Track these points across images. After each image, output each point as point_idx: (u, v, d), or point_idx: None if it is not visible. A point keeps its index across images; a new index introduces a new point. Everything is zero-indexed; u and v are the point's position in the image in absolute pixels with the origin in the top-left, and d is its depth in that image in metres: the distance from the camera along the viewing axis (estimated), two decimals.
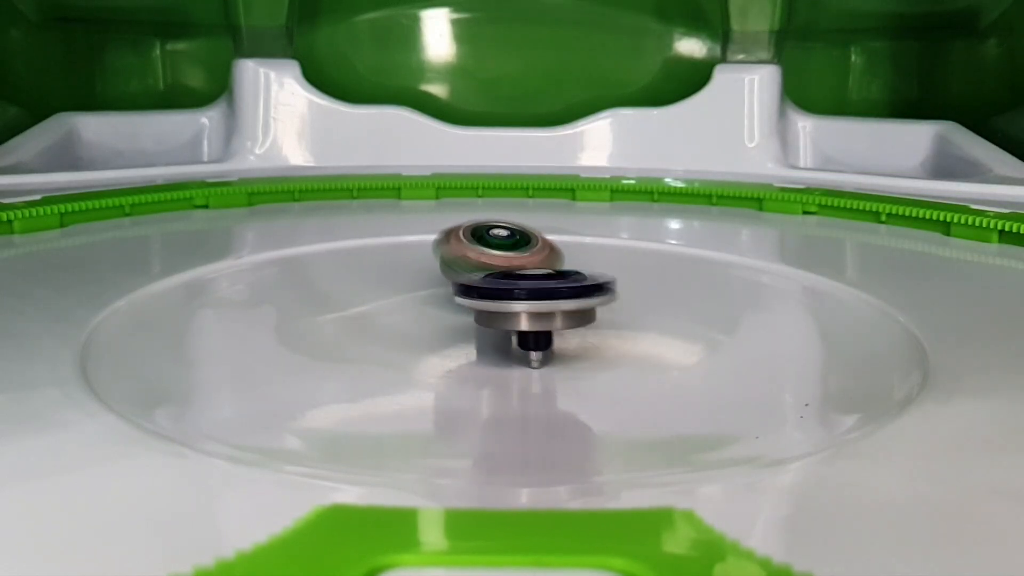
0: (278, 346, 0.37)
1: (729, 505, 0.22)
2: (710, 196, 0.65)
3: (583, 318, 0.33)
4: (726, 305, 0.44)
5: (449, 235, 0.41)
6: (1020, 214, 0.52)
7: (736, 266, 0.49)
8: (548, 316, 0.32)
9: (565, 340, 0.39)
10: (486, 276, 0.34)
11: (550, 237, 0.42)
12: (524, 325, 0.32)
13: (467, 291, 0.33)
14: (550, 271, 0.35)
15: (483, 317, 0.33)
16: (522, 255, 0.39)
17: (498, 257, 0.39)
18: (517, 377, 0.34)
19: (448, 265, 0.40)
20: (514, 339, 0.34)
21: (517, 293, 0.32)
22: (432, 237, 0.49)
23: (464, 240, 0.40)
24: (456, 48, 0.84)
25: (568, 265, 0.42)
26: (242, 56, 0.76)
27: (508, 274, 0.34)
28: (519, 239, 0.41)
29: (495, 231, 0.41)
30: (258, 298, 0.45)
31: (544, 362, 0.33)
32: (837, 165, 0.74)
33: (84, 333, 0.33)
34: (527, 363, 0.33)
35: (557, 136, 0.75)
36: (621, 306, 0.43)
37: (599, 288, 0.33)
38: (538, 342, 0.33)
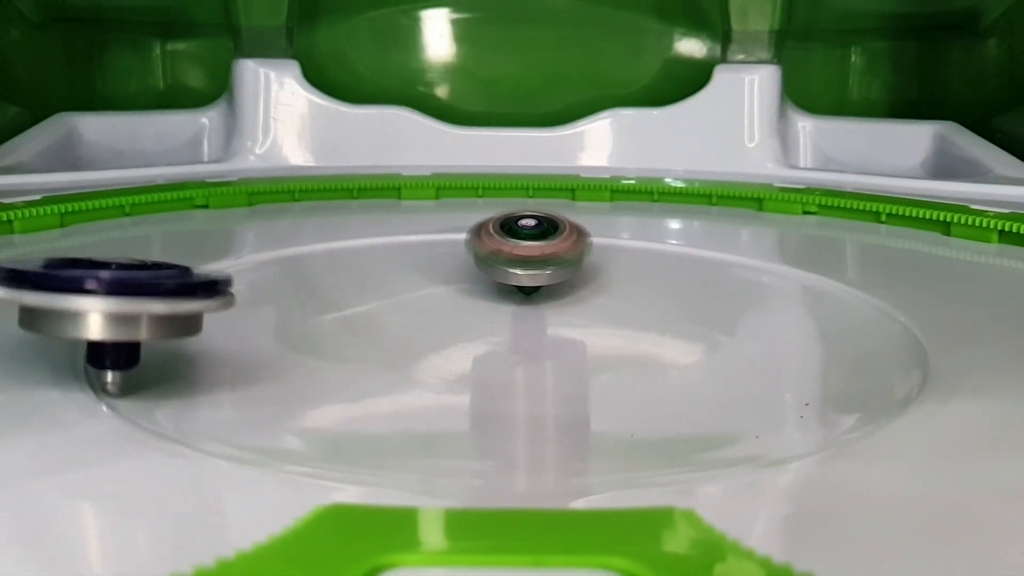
0: (278, 346, 0.37)
1: (729, 505, 0.22)
2: (710, 196, 0.65)
3: (181, 326, 0.27)
4: (726, 305, 0.44)
5: (479, 230, 0.42)
6: (1020, 214, 0.52)
7: (736, 266, 0.49)
8: (132, 320, 0.25)
9: (565, 339, 0.39)
10: (47, 260, 0.26)
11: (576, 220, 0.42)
12: (96, 332, 0.25)
13: (14, 279, 0.25)
14: (149, 262, 0.28)
15: (31, 318, 0.25)
16: (552, 242, 0.41)
17: (530, 247, 0.40)
18: (517, 377, 0.34)
19: (483, 261, 0.41)
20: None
21: (89, 284, 0.24)
22: (432, 237, 0.49)
23: (494, 234, 0.41)
24: (456, 48, 0.84)
25: None
26: (242, 56, 0.76)
27: (76, 261, 0.27)
28: (547, 227, 0.42)
29: (523, 221, 0.42)
30: (258, 298, 0.45)
31: (121, 388, 0.27)
32: (837, 165, 0.74)
33: None
34: (100, 388, 0.27)
35: (557, 136, 0.75)
36: (621, 306, 0.43)
37: (207, 286, 0.27)
38: (117, 357, 0.26)
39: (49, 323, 0.25)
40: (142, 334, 0.25)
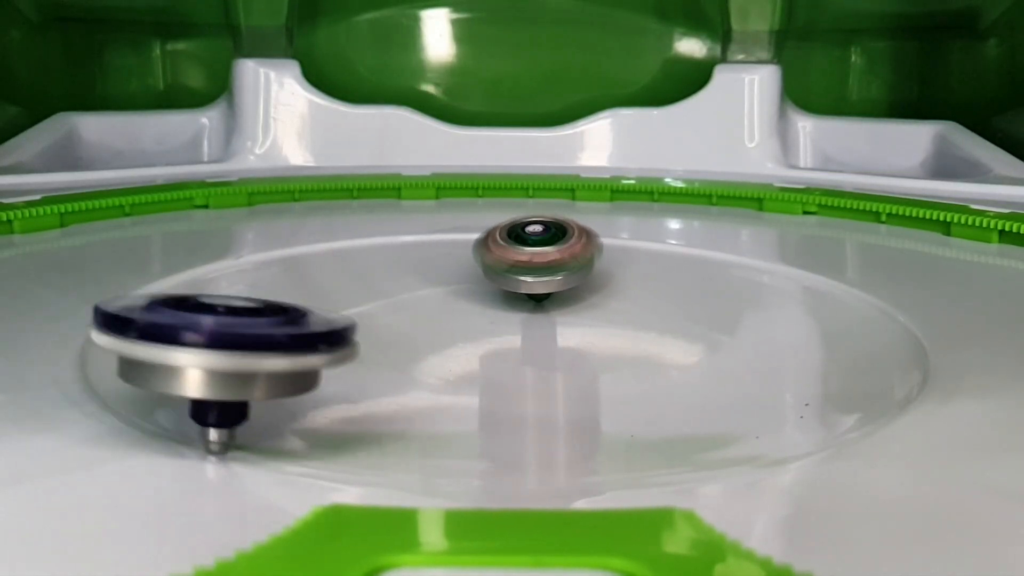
0: None
1: (730, 505, 0.22)
2: (710, 196, 0.65)
3: (297, 384, 0.23)
4: (726, 305, 0.44)
5: (486, 239, 0.41)
6: (1020, 214, 0.52)
7: (736, 266, 0.49)
8: (241, 378, 0.22)
9: (565, 339, 0.39)
10: (153, 299, 0.23)
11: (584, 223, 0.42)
12: (198, 391, 0.22)
13: (111, 324, 0.22)
14: (259, 302, 0.24)
15: (127, 368, 0.22)
16: (562, 247, 0.40)
17: (539, 253, 0.39)
18: (518, 377, 0.34)
19: (492, 270, 0.40)
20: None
21: (190, 336, 0.21)
22: (432, 237, 0.49)
23: (502, 242, 0.41)
24: (456, 48, 0.84)
25: None
26: (242, 56, 0.76)
27: (185, 301, 0.23)
28: (555, 232, 0.41)
29: (531, 227, 0.41)
30: (259, 297, 0.45)
31: (227, 447, 0.23)
32: (837, 165, 0.74)
33: (84, 333, 0.33)
34: (204, 443, 0.23)
35: (557, 136, 0.75)
36: (620, 306, 0.43)
37: (332, 336, 0.23)
38: (223, 416, 0.23)
39: (146, 376, 0.22)
40: (252, 394, 0.22)
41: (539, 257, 0.39)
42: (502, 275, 0.40)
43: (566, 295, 0.41)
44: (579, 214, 0.62)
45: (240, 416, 0.23)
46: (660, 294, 0.45)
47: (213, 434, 0.23)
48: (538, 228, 0.41)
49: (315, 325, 0.23)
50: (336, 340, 0.23)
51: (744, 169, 0.71)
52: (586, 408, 0.31)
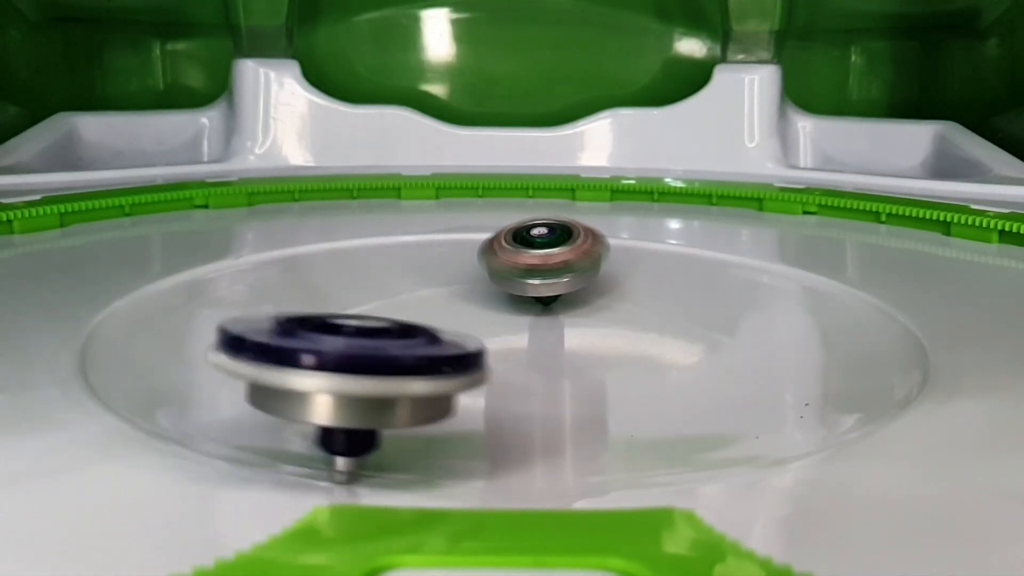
0: None
1: (729, 505, 0.22)
2: (710, 196, 0.65)
3: (430, 411, 0.22)
4: (726, 305, 0.44)
5: (491, 244, 0.41)
6: (1020, 214, 0.52)
7: (736, 266, 0.49)
8: (369, 404, 0.20)
9: (565, 339, 0.39)
10: (279, 319, 0.22)
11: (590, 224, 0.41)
12: (325, 418, 0.20)
13: (235, 346, 0.21)
14: (387, 322, 0.23)
15: (253, 392, 0.21)
16: (569, 248, 0.39)
17: (545, 255, 0.39)
18: (517, 377, 0.34)
19: (498, 274, 0.40)
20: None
21: (316, 359, 0.20)
22: (432, 237, 0.49)
23: (507, 246, 0.40)
24: (456, 48, 0.84)
25: None
26: (242, 56, 0.76)
27: (313, 321, 0.22)
28: (560, 233, 0.40)
29: (536, 230, 0.41)
30: (258, 298, 0.45)
31: (356, 476, 0.22)
32: (837, 165, 0.74)
33: (84, 333, 0.33)
34: (331, 472, 0.22)
35: (557, 136, 0.75)
36: (619, 306, 0.43)
37: (466, 360, 0.22)
38: (352, 443, 0.22)
39: (272, 401, 0.21)
40: (384, 421, 0.21)
41: (547, 259, 0.39)
42: (510, 279, 0.39)
43: (566, 295, 0.41)
44: (579, 214, 0.62)
45: (369, 445, 0.22)
46: (660, 294, 0.45)
47: (341, 463, 0.22)
48: (544, 230, 0.41)
49: (448, 347, 0.21)
50: (470, 363, 0.21)
51: (744, 169, 0.71)
52: (586, 408, 0.31)
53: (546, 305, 0.41)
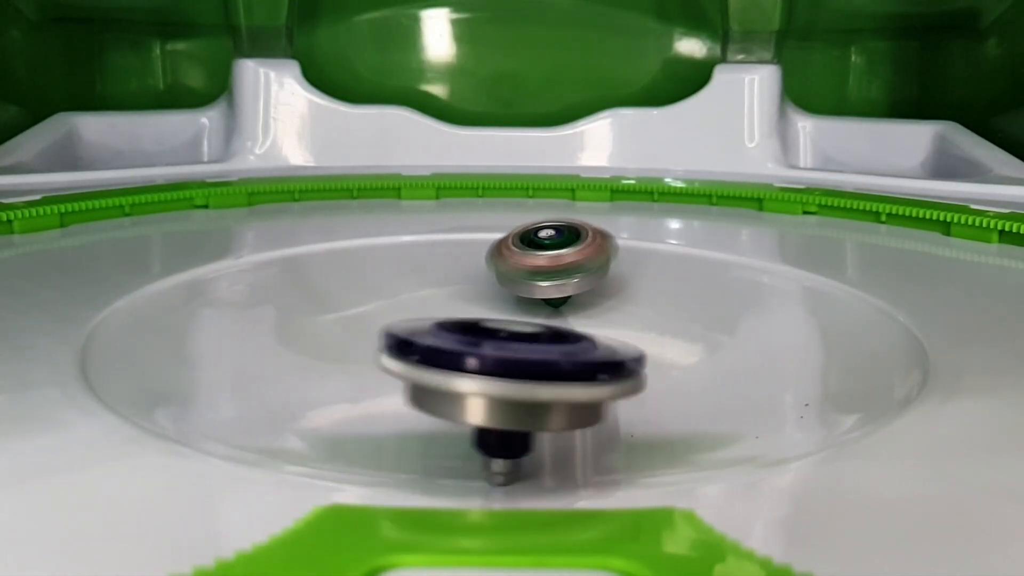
0: (278, 346, 0.37)
1: (729, 505, 0.22)
2: (710, 196, 0.65)
3: (584, 416, 0.22)
4: (726, 305, 0.44)
5: (499, 247, 0.41)
6: (1020, 214, 0.52)
7: (736, 266, 0.49)
8: (527, 408, 0.21)
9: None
10: (439, 323, 0.23)
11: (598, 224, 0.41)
12: (481, 419, 0.21)
13: (400, 348, 0.22)
14: (543, 327, 0.23)
15: (414, 393, 0.22)
16: (578, 249, 0.39)
17: (554, 257, 0.39)
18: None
19: (507, 277, 0.40)
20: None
21: (469, 362, 0.20)
22: (432, 237, 0.49)
23: (515, 248, 0.40)
24: (456, 48, 0.84)
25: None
26: (242, 56, 0.76)
27: (473, 326, 0.23)
28: (568, 235, 0.40)
29: (543, 232, 0.41)
30: (258, 298, 0.45)
31: (512, 477, 0.23)
32: (837, 165, 0.74)
33: (84, 333, 0.33)
34: (487, 474, 0.23)
35: (557, 136, 0.75)
36: (619, 305, 0.43)
37: (622, 367, 0.22)
38: (509, 445, 0.23)
39: (432, 402, 0.21)
40: (540, 424, 0.21)
41: (556, 260, 0.39)
42: (518, 281, 0.39)
43: (575, 297, 0.41)
44: (579, 214, 0.62)
45: (524, 447, 0.22)
46: (660, 294, 0.45)
47: (497, 465, 0.22)
48: (552, 232, 0.41)
49: (605, 354, 0.22)
50: (626, 371, 0.22)
51: (744, 169, 0.71)
52: None
53: (555, 307, 0.41)
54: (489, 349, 0.21)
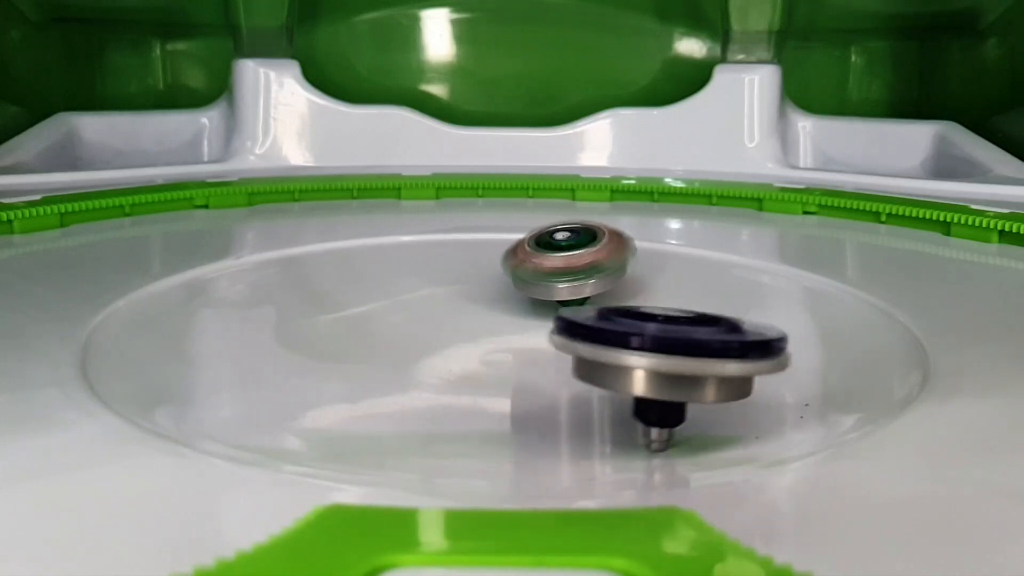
0: (278, 346, 0.37)
1: (730, 505, 0.22)
2: (710, 196, 0.65)
3: (734, 390, 0.25)
4: (726, 305, 0.44)
5: (516, 250, 0.41)
6: (1020, 214, 0.52)
7: (736, 266, 0.49)
8: (683, 381, 0.24)
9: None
10: (601, 310, 0.26)
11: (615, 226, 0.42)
12: (641, 389, 0.24)
13: (569, 330, 0.25)
14: (693, 313, 0.27)
15: (583, 369, 0.26)
16: (593, 249, 0.40)
17: (571, 257, 0.39)
18: (517, 376, 0.34)
19: (522, 279, 0.40)
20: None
21: (635, 340, 0.24)
22: (432, 237, 0.49)
23: (530, 250, 0.40)
24: (456, 48, 0.84)
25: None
26: (242, 56, 0.76)
27: (632, 312, 0.26)
28: (584, 236, 0.40)
29: (559, 234, 0.41)
30: (258, 298, 0.45)
31: (666, 445, 0.26)
32: (837, 165, 0.74)
33: (84, 333, 0.33)
34: (646, 441, 0.26)
35: (557, 136, 0.75)
36: (619, 305, 0.43)
37: (768, 346, 0.25)
38: (665, 415, 0.26)
39: (600, 376, 0.25)
40: (693, 396, 0.24)
41: (573, 261, 0.39)
42: (535, 283, 0.39)
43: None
44: (579, 214, 0.62)
45: (679, 418, 0.25)
46: (659, 294, 0.45)
47: (655, 433, 0.25)
48: (568, 234, 0.41)
49: (751, 335, 0.25)
50: (772, 349, 0.24)
51: (744, 169, 0.71)
52: (586, 408, 0.31)
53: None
54: (653, 329, 0.24)
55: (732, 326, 0.25)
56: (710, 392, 0.24)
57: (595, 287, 0.39)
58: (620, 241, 0.41)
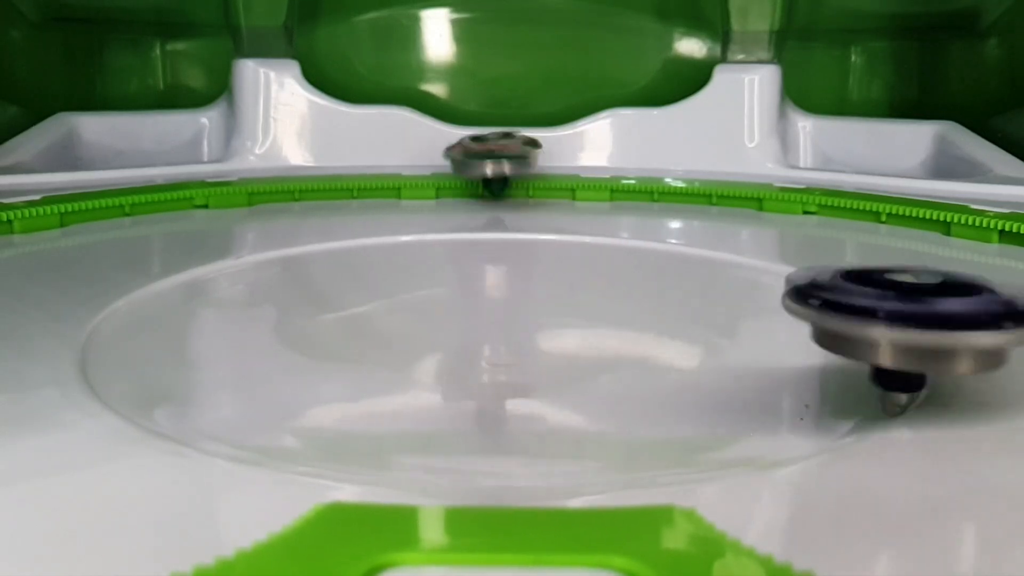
0: (278, 346, 0.37)
1: (730, 504, 0.22)
2: (710, 196, 0.65)
3: (989, 360, 0.24)
4: (726, 305, 0.44)
5: (458, 144, 0.63)
6: (1020, 214, 0.52)
7: (736, 266, 0.49)
8: (930, 353, 0.23)
9: (565, 339, 0.39)
10: (838, 272, 0.27)
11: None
12: (887, 361, 0.24)
13: (803, 297, 0.25)
14: (940, 275, 0.25)
15: (824, 336, 0.25)
16: (509, 142, 0.62)
17: (492, 144, 0.61)
18: (518, 377, 0.34)
19: (457, 161, 0.60)
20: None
21: (880, 313, 0.23)
22: (432, 237, 0.49)
23: (467, 143, 0.61)
24: (456, 48, 0.84)
25: (570, 265, 0.41)
26: (242, 56, 0.76)
27: (872, 276, 0.26)
28: (506, 136, 0.65)
29: (487, 134, 0.65)
30: (258, 298, 0.45)
31: (906, 410, 0.26)
32: (837, 165, 0.74)
33: (84, 333, 0.33)
34: (884, 405, 0.26)
35: (557, 136, 0.75)
36: (621, 306, 0.43)
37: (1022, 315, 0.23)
38: (907, 382, 0.25)
39: (841, 345, 0.24)
40: (939, 369, 0.23)
41: (494, 147, 0.60)
42: (468, 162, 0.59)
43: (565, 293, 0.41)
44: (579, 214, 0.63)
45: (922, 383, 0.25)
46: (660, 294, 0.45)
47: (898, 398, 0.25)
48: (493, 134, 0.64)
49: (1006, 302, 0.23)
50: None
51: (744, 169, 0.71)
52: (587, 408, 0.31)
53: (494, 194, 0.61)
54: (898, 302, 0.23)
55: (985, 293, 0.23)
56: (961, 364, 0.23)
57: (510, 168, 0.58)
58: (530, 141, 0.62)
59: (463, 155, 0.58)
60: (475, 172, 0.57)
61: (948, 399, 0.28)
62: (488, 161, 0.57)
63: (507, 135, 0.62)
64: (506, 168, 0.56)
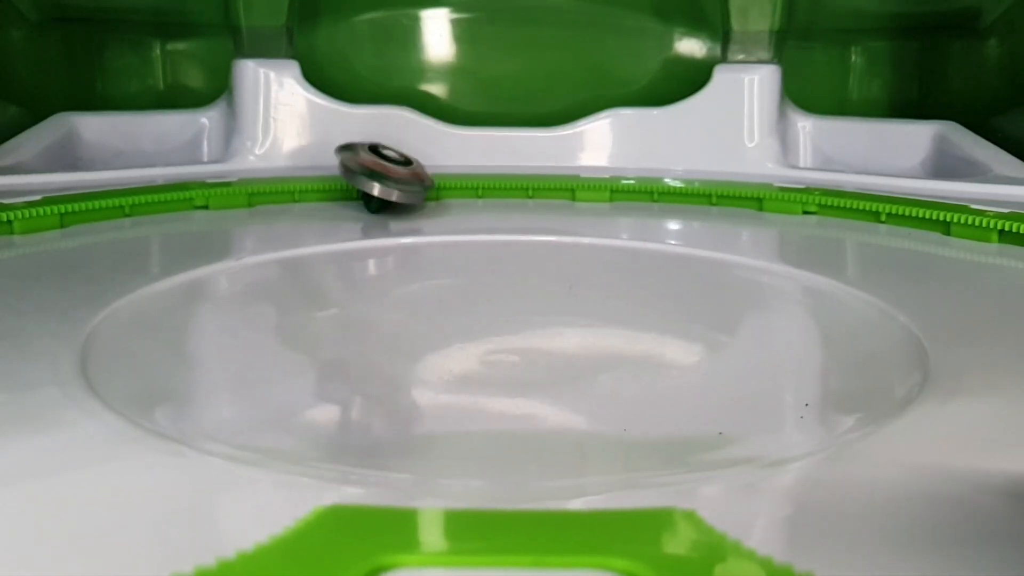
0: (278, 346, 0.37)
1: (730, 505, 0.22)
2: (710, 196, 0.65)
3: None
4: (726, 305, 0.44)
5: (353, 146, 0.59)
6: (1020, 214, 0.52)
7: (736, 266, 0.49)
8: None
9: (565, 340, 0.39)
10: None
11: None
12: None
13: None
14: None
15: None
16: (407, 169, 0.59)
17: (392, 167, 0.58)
18: (517, 377, 0.34)
19: (351, 169, 0.58)
20: None
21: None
22: (432, 238, 0.49)
23: (364, 154, 0.58)
24: (456, 48, 0.84)
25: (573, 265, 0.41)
26: (242, 56, 0.76)
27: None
28: (405, 160, 0.60)
29: (386, 151, 0.60)
30: (258, 298, 0.45)
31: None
32: (837, 165, 0.74)
33: (84, 333, 0.33)
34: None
35: (557, 136, 0.75)
36: (621, 306, 0.43)
37: None
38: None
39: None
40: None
41: (392, 170, 0.57)
42: (361, 176, 0.57)
43: (565, 292, 0.41)
44: (579, 214, 0.63)
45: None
46: (660, 294, 0.45)
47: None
48: (393, 153, 0.60)
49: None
50: None
51: (744, 169, 0.71)
52: (587, 408, 0.31)
53: (372, 212, 0.59)
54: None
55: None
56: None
57: (400, 196, 0.57)
58: (424, 174, 0.60)
59: (358, 166, 0.58)
60: (363, 186, 0.57)
61: (948, 399, 0.28)
62: (377, 183, 0.57)
63: (407, 161, 0.60)
64: (394, 195, 0.57)
